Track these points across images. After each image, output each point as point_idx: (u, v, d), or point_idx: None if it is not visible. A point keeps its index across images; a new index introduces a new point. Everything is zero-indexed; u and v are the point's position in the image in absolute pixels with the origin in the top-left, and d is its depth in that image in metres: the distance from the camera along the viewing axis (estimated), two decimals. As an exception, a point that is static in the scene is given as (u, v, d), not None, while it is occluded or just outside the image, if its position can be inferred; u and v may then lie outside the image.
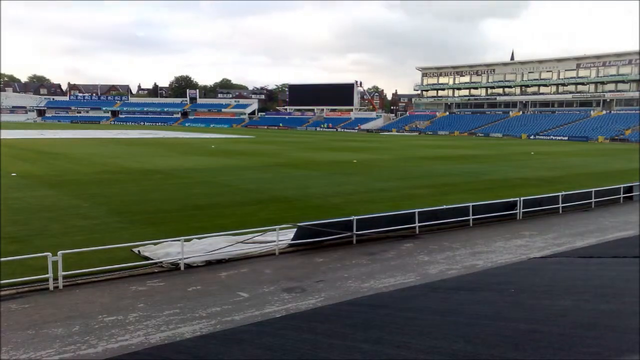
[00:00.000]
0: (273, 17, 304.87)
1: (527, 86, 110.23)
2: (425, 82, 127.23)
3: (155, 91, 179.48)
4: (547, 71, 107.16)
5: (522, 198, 17.41)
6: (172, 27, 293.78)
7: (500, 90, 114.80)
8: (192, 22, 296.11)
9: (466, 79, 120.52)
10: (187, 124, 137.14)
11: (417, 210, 14.83)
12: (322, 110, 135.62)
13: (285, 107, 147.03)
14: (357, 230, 13.59)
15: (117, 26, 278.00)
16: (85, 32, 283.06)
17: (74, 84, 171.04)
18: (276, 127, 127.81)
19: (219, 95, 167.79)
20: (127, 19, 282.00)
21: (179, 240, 11.36)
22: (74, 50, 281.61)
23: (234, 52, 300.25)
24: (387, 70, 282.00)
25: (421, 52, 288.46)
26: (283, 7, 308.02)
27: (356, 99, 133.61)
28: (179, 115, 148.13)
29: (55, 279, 9.66)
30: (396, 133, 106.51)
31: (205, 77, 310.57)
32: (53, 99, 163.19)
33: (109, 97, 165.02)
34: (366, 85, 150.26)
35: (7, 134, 65.03)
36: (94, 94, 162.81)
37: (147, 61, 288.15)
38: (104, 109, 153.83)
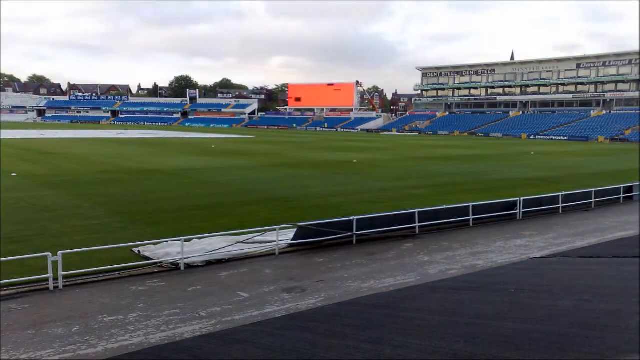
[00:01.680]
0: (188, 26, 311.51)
1: (527, 86, 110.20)
2: (425, 82, 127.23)
3: (155, 91, 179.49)
4: (547, 71, 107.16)
5: (522, 198, 17.40)
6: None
7: (500, 90, 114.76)
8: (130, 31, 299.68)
9: (466, 79, 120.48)
10: (187, 124, 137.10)
11: (417, 210, 14.82)
12: (322, 110, 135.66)
13: (285, 107, 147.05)
14: (357, 230, 13.59)
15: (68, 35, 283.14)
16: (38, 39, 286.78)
17: (74, 84, 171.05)
18: (276, 127, 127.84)
19: (219, 95, 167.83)
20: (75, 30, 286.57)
21: (179, 240, 11.35)
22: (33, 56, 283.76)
23: (177, 55, 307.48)
24: (317, 71, 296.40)
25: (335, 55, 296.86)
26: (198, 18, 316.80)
27: (356, 99, 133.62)
28: (179, 115, 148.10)
29: (55, 279, 9.66)
30: (396, 133, 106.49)
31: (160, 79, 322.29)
32: (53, 99, 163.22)
33: (109, 97, 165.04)
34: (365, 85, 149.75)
35: (7, 134, 65.00)
36: (94, 94, 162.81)
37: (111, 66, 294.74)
38: (104, 109, 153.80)
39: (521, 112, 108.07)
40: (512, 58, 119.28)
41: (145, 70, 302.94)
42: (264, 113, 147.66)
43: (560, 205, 18.44)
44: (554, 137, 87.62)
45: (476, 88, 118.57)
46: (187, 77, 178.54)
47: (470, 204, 16.10)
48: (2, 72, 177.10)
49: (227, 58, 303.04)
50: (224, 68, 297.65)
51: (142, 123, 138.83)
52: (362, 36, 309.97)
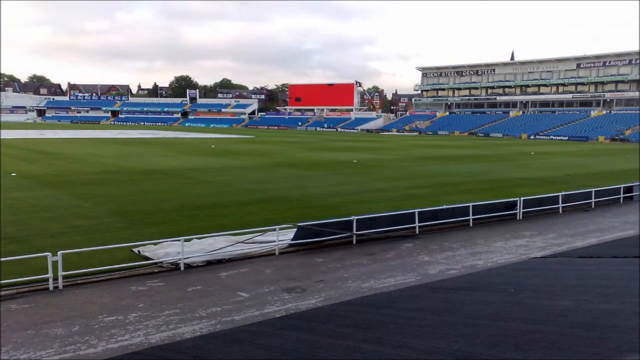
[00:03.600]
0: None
1: (527, 86, 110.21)
2: (425, 82, 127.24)
3: (155, 91, 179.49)
4: (547, 71, 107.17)
5: (522, 198, 17.41)
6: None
7: (500, 90, 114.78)
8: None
9: (466, 79, 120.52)
10: (187, 124, 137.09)
11: (417, 210, 14.83)
12: (322, 110, 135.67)
13: (285, 107, 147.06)
14: (357, 230, 13.59)
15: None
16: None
17: (74, 84, 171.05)
18: (276, 127, 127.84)
19: (219, 95, 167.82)
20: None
21: (179, 240, 11.36)
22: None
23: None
24: (247, 73, 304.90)
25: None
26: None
27: (356, 99, 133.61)
28: (179, 115, 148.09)
29: (55, 279, 9.66)
30: (396, 133, 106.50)
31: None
32: (53, 99, 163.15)
33: (109, 97, 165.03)
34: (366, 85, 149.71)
35: (7, 134, 65.01)
36: (94, 94, 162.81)
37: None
38: (104, 109, 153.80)
39: (521, 112, 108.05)
40: (512, 58, 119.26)
41: (97, 72, 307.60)
42: (264, 113, 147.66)
43: (560, 205, 18.44)
44: (554, 137, 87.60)
45: (476, 88, 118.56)
46: (187, 77, 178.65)
47: (470, 204, 16.11)
48: (2, 72, 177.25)
49: (158, 61, 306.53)
50: (160, 71, 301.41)
51: (142, 123, 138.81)
52: (266, 38, 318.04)
